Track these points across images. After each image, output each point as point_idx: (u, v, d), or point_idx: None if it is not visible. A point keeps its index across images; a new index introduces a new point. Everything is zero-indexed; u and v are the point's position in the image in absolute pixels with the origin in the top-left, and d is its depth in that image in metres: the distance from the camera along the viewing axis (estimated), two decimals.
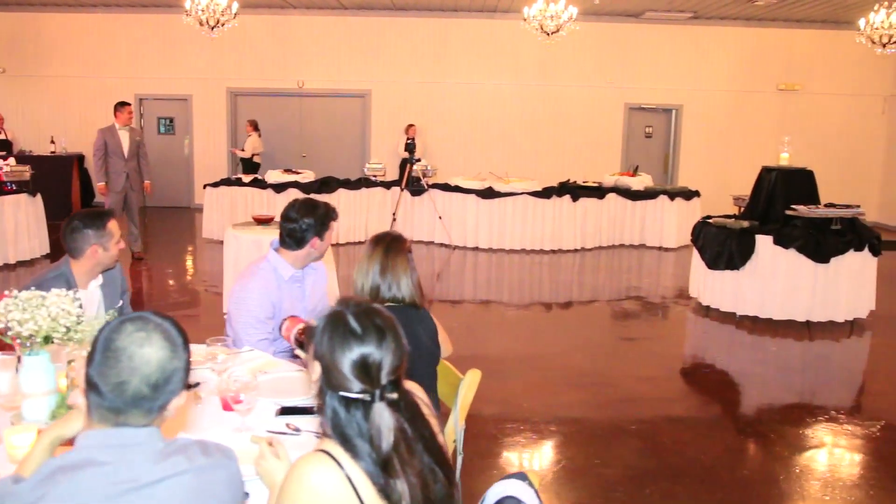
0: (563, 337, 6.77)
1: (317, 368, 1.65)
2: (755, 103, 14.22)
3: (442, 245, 10.83)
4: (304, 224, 3.16)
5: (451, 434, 2.80)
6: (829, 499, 3.75)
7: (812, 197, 7.46)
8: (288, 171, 11.35)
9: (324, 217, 3.21)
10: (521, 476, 2.03)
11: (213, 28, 10.31)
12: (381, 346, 1.63)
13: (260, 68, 13.91)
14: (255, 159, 13.22)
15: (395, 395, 1.63)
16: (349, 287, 8.44)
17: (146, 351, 1.50)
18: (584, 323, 7.38)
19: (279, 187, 10.63)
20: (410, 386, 1.87)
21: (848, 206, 7.29)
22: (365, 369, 1.61)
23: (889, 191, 14.25)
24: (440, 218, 10.75)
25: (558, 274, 9.52)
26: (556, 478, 3.89)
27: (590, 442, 4.33)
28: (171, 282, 8.57)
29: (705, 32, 13.99)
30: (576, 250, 10.83)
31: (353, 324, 1.64)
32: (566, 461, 4.08)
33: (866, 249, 7.09)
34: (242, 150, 13.23)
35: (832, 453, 4.34)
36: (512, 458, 4.13)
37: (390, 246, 2.86)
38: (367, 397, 1.60)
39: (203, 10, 10.12)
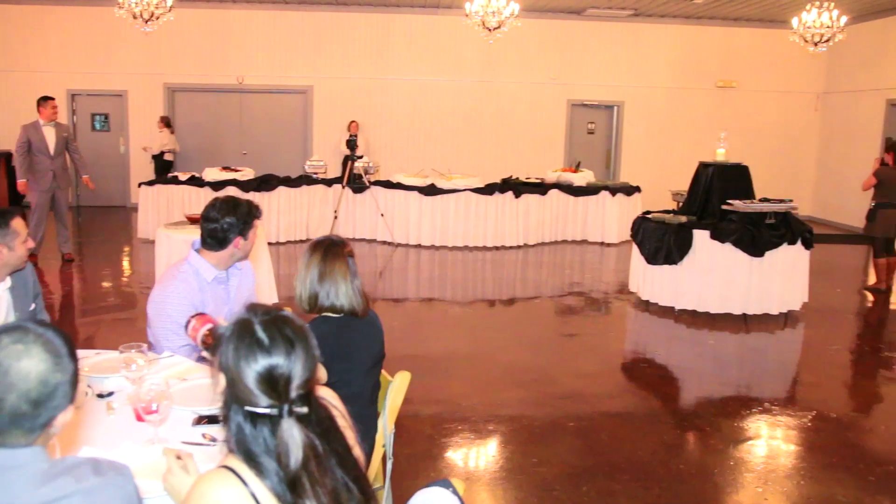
0: (505, 334, 6.75)
1: (221, 380, 1.55)
2: (694, 100, 14.46)
3: (384, 243, 10.73)
4: (225, 224, 3.04)
5: (381, 439, 2.73)
6: (761, 490, 3.79)
7: (747, 192, 7.58)
8: (227, 168, 11.11)
9: (246, 215, 3.08)
10: (445, 483, 1.96)
11: (146, 21, 10.04)
12: (290, 357, 1.53)
13: (198, 63, 13.59)
14: (167, 157, 12.90)
15: (304, 410, 1.54)
16: (288, 287, 8.25)
17: (24, 364, 1.39)
18: (526, 319, 7.37)
19: (217, 185, 10.39)
20: (324, 393, 1.79)
21: (781, 201, 7.43)
22: (272, 383, 1.51)
23: (821, 185, 14.65)
24: (382, 215, 10.65)
25: (501, 271, 9.51)
26: (493, 478, 3.85)
27: (528, 440, 4.30)
28: (104, 284, 8.28)
29: (646, 30, 14.17)
30: (518, 247, 10.85)
31: (261, 334, 1.54)
32: (504, 461, 4.04)
33: (799, 243, 7.24)
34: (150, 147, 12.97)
35: (765, 445, 4.39)
36: (449, 459, 4.07)
37: (328, 251, 2.72)
38: (274, 412, 1.50)
39: (136, 3, 9.83)
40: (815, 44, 10.59)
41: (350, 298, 2.69)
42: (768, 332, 6.91)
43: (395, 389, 2.73)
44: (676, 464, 4.07)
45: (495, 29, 10.67)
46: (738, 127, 13.69)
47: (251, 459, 1.50)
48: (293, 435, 1.50)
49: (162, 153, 12.88)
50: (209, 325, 2.48)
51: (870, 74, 13.25)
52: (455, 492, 1.92)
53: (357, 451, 1.70)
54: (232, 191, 10.08)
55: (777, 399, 5.18)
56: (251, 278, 3.40)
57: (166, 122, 12.99)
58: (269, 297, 6.50)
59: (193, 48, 13.51)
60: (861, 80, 13.49)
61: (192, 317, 2.54)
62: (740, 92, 14.50)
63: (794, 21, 10.64)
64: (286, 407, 1.51)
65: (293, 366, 1.52)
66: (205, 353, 2.34)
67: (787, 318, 7.24)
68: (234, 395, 1.52)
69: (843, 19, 10.37)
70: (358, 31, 13.74)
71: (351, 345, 2.65)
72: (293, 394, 1.52)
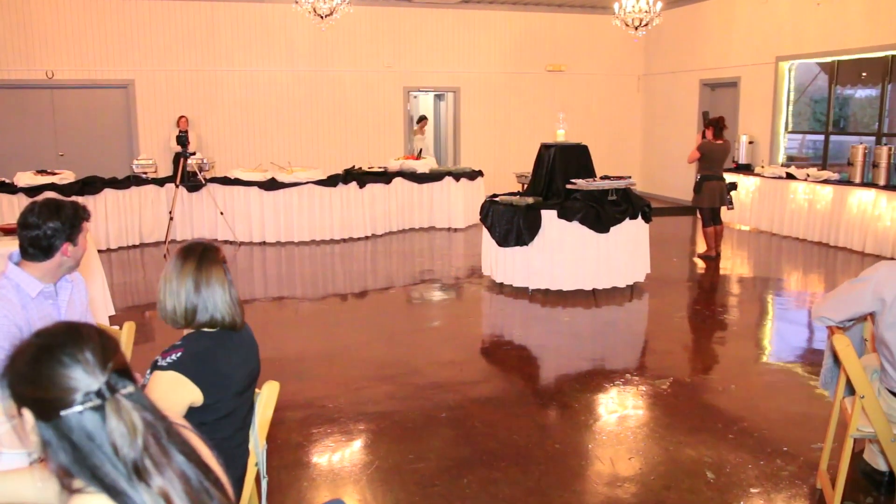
0: (362, 328, 6.55)
1: (27, 415, 1.26)
2: (527, 84, 14.81)
3: (226, 242, 10.19)
4: (49, 229, 2.64)
5: (253, 457, 2.47)
6: (633, 460, 3.85)
7: (589, 170, 7.80)
8: (42, 172, 10.11)
9: (73, 218, 2.69)
10: (337, 503, 1.78)
11: None
12: (82, 341, 1.29)
13: None
14: None
15: (130, 388, 1.30)
16: (123, 297, 7.57)
17: None
18: (381, 311, 7.20)
19: (33, 191, 9.42)
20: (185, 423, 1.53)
21: (620, 178, 7.70)
22: (78, 370, 1.26)
23: (647, 161, 15.51)
24: (222, 214, 10.10)
25: (351, 263, 9.28)
26: (370, 480, 3.66)
27: (402, 437, 4.14)
28: None
29: (476, 16, 14.32)
30: (367, 237, 10.68)
31: (42, 340, 1.30)
32: (379, 461, 3.86)
33: (640, 217, 7.54)
34: None
35: (631, 415, 4.48)
36: (321, 466, 3.83)
37: (203, 258, 2.38)
38: (95, 401, 1.25)
39: None
40: (636, 28, 11.10)
41: (229, 309, 2.39)
42: (618, 304, 7.15)
43: (264, 402, 2.48)
44: (552, 444, 4.06)
45: (327, 16, 10.38)
46: (570, 109, 14.12)
47: (97, 473, 1.23)
48: (124, 410, 1.26)
49: None
50: None
51: (684, 56, 14.12)
52: None
53: (223, 476, 1.45)
54: (51, 196, 9.17)
55: (635, 369, 5.33)
56: (84, 291, 3.00)
57: None
58: (105, 310, 5.93)
59: None
60: (677, 61, 14.36)
61: None
62: (569, 75, 15.02)
63: (616, 6, 11.09)
64: (104, 386, 1.26)
65: (89, 350, 1.28)
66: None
67: (633, 290, 7.53)
68: (45, 413, 1.25)
69: (659, 5, 10.92)
70: (181, 20, 12.91)
71: (230, 363, 2.35)
72: (104, 375, 1.27)
